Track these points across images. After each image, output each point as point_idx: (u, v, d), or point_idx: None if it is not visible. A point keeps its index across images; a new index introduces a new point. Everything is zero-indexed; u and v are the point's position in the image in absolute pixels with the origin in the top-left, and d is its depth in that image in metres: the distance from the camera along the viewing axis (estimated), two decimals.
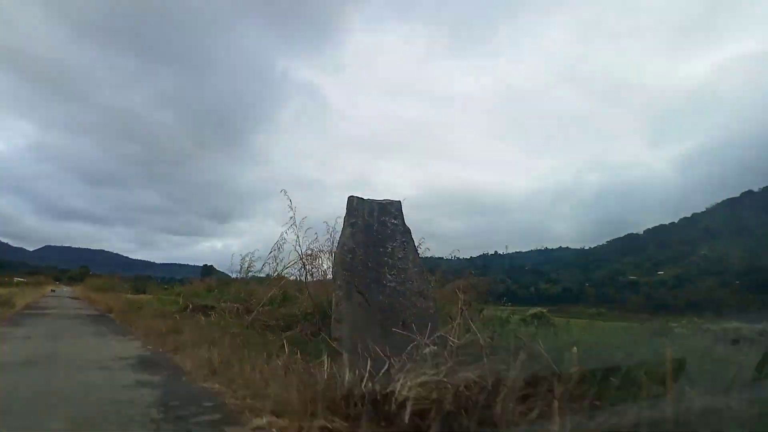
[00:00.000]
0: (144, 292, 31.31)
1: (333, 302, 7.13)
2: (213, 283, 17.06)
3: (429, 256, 10.01)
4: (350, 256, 7.05)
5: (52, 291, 41.12)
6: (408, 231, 7.74)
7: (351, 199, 7.49)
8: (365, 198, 7.64)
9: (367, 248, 7.17)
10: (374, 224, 7.41)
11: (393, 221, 7.62)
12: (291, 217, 9.64)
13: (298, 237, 9.90)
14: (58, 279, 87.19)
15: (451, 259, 12.03)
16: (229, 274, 13.65)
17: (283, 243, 10.25)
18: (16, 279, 41.96)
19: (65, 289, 57.39)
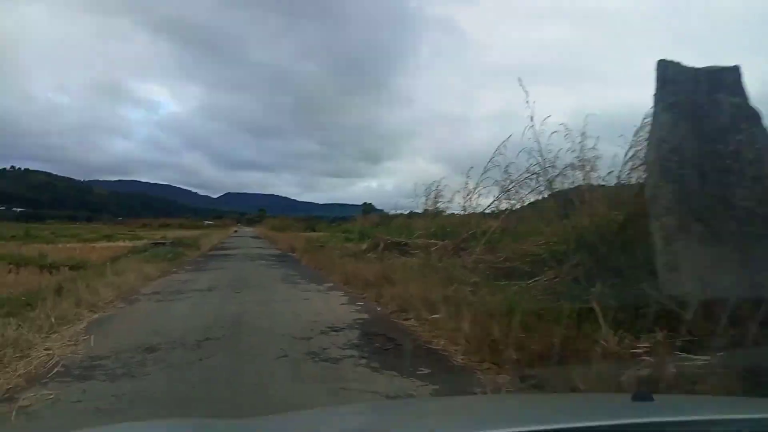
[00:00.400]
0: (314, 230, 32.81)
1: (658, 236, 4.35)
2: (376, 218, 16.98)
3: None
4: (676, 158, 4.42)
5: (235, 231, 46.68)
6: (757, 115, 4.51)
7: (663, 64, 4.64)
8: (685, 65, 4.65)
9: (698, 144, 4.39)
10: (704, 104, 4.50)
11: (732, 99, 4.50)
12: (530, 118, 5.85)
13: (539, 144, 6.02)
14: (239, 221, 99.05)
15: None
16: (387, 212, 13.27)
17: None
18: (206, 222, 47.67)
19: (247, 230, 64.23)
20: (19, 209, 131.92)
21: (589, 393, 2.60)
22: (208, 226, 45.29)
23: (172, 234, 25.53)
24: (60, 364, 3.52)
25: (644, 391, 1.27)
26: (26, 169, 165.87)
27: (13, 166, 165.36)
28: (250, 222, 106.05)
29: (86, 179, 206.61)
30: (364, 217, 22.84)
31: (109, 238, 24.48)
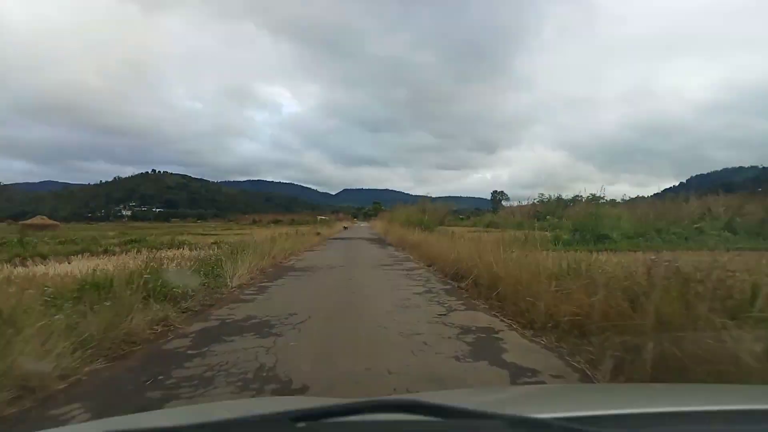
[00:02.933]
0: (443, 224, 28.33)
1: None
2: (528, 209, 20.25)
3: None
4: None
5: (345, 228, 40.95)
6: None
7: None
8: None
9: None
10: None
11: None
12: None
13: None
14: (355, 216, 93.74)
15: None
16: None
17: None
18: (319, 217, 41.59)
19: (361, 225, 56.85)
20: (158, 209, 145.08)
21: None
22: (321, 221, 38.17)
23: (264, 233, 18.53)
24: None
25: None
26: (165, 172, 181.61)
27: (154, 170, 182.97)
28: (367, 216, 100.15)
29: (218, 180, 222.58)
30: (517, 207, 23.48)
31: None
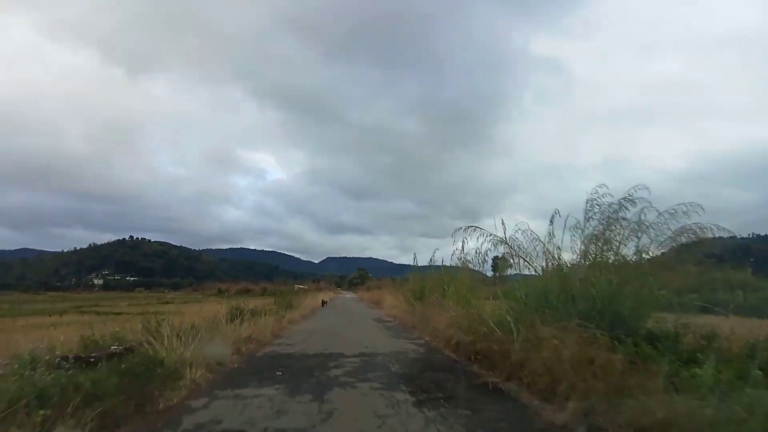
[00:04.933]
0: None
1: None
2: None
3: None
4: None
5: (324, 303, 27.80)
6: None
7: None
8: None
9: None
10: None
11: None
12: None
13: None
14: (338, 285, 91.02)
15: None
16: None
17: None
18: (296, 287, 37.10)
19: (347, 296, 53.02)
20: (133, 278, 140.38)
21: None
22: (299, 290, 34.74)
23: (208, 309, 13.69)
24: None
25: None
26: (143, 239, 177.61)
27: (132, 237, 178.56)
28: (351, 284, 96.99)
29: (200, 248, 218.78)
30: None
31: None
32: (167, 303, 23.46)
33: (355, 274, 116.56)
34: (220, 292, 47.82)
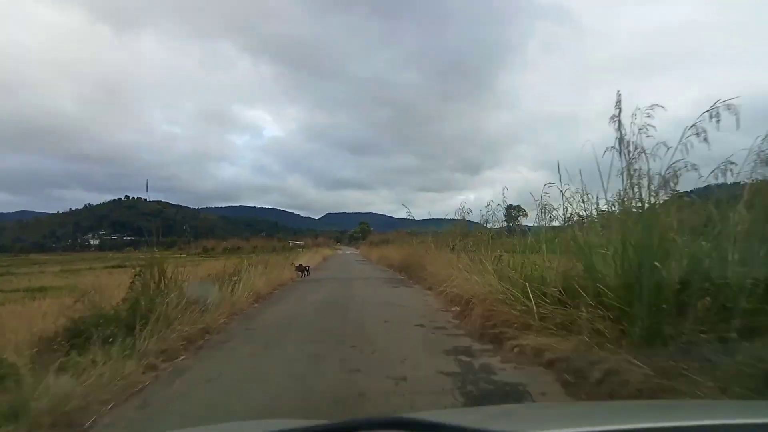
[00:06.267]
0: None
1: None
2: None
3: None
4: None
5: (303, 272, 16.67)
6: None
7: None
8: None
9: None
10: None
11: None
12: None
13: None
14: (338, 240, 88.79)
15: None
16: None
17: None
18: (292, 243, 33.39)
19: (347, 252, 50.25)
20: (129, 237, 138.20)
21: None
22: (294, 247, 30.95)
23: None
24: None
25: None
26: (139, 198, 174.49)
27: (128, 196, 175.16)
28: (352, 239, 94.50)
29: (199, 207, 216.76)
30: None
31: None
32: (117, 267, 19.06)
33: (356, 228, 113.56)
34: (205, 250, 44.56)
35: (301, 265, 16.31)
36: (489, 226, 9.73)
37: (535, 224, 7.09)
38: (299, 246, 34.13)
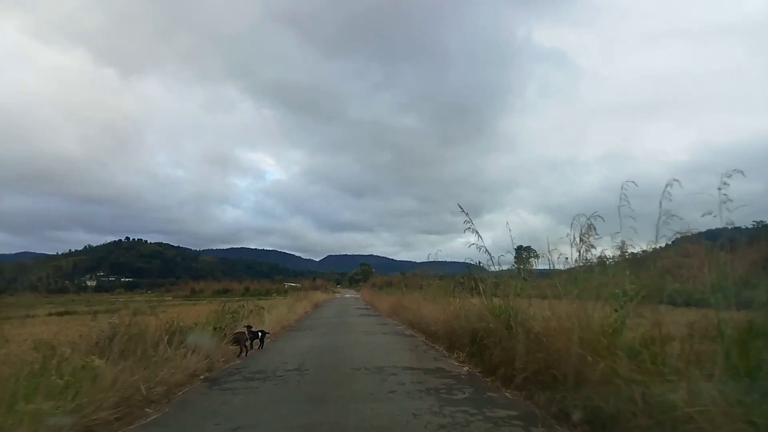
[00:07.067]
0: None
1: None
2: None
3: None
4: None
5: (246, 341, 9.56)
6: None
7: None
8: None
9: None
10: None
11: None
12: None
13: None
14: (338, 282, 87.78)
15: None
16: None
17: None
18: (287, 285, 32.86)
19: (346, 296, 49.25)
20: (127, 279, 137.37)
21: None
22: (290, 289, 30.37)
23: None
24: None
25: None
26: (139, 240, 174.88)
27: (128, 238, 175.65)
28: (352, 281, 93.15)
29: (200, 249, 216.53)
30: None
31: None
32: (63, 314, 17.89)
33: (357, 270, 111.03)
34: (193, 292, 43.62)
35: (248, 329, 9.46)
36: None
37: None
38: (296, 288, 33.41)
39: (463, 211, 7.39)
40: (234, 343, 8.74)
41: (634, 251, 5.51)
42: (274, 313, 13.50)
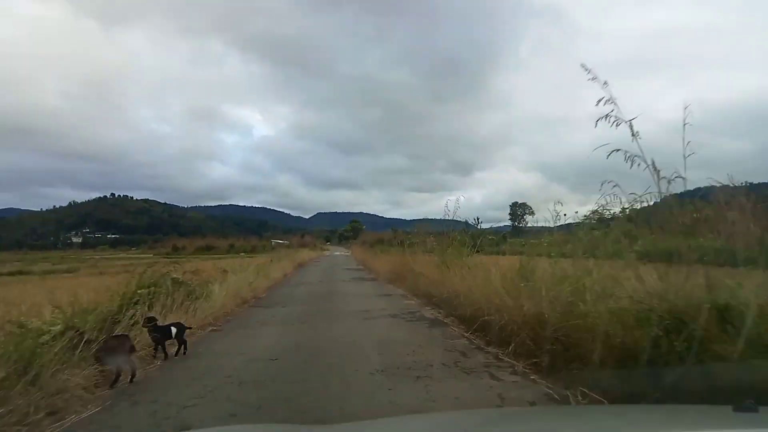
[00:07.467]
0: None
1: None
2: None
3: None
4: None
5: (163, 337, 5.65)
6: None
7: None
8: None
9: None
10: None
11: None
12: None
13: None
14: (328, 239, 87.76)
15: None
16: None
17: None
18: (273, 242, 32.39)
19: (336, 253, 48.35)
20: (114, 235, 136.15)
21: (688, 404, 2.61)
22: (277, 246, 29.77)
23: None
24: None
25: (749, 402, 1.22)
26: (125, 196, 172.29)
27: (113, 194, 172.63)
28: (342, 238, 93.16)
29: (187, 205, 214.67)
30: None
31: None
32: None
33: (347, 226, 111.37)
34: (175, 249, 42.64)
35: (149, 325, 5.52)
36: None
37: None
38: (283, 245, 32.65)
39: None
40: (103, 359, 4.49)
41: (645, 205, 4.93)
42: (232, 280, 10.13)
